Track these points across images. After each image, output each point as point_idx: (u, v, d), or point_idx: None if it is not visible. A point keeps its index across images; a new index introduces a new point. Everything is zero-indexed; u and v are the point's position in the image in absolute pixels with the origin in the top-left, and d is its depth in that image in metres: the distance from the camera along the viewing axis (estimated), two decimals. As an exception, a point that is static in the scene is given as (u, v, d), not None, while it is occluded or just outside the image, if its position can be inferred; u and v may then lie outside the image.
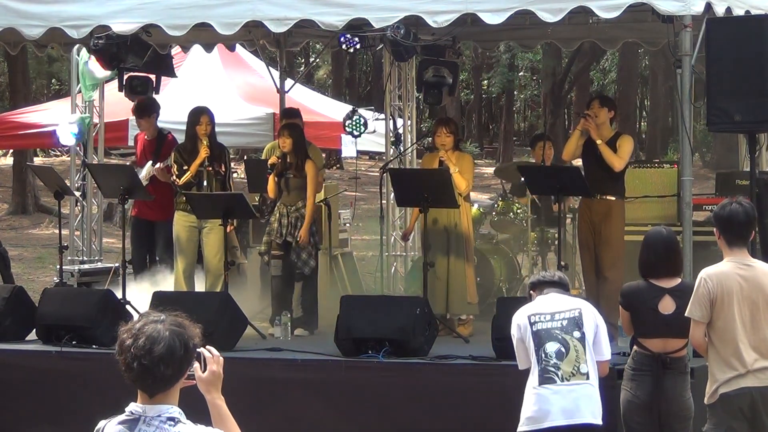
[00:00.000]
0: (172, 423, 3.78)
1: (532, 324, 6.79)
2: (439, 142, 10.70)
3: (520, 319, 6.88)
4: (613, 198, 10.24)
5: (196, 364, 3.90)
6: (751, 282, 6.75)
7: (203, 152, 10.89)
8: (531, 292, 7.09)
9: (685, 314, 6.79)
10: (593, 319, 6.87)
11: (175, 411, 3.80)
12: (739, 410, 6.71)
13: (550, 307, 6.85)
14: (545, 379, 6.72)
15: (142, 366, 3.74)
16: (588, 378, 6.74)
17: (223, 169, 11.10)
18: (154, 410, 3.79)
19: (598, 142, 10.07)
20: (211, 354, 3.97)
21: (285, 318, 10.48)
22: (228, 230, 10.68)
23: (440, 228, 10.62)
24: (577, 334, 6.76)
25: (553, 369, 6.72)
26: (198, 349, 3.89)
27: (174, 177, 10.99)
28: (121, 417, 3.83)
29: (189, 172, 10.91)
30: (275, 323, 10.57)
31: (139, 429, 3.78)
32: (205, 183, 10.96)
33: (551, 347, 6.74)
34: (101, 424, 3.89)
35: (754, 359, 6.70)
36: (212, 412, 3.96)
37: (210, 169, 10.99)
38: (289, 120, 11.73)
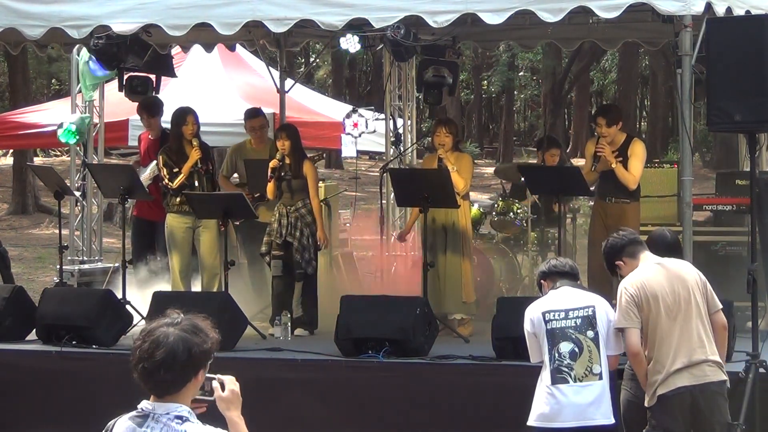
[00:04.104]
0: (180, 421, 3.86)
1: (546, 321, 6.84)
2: (438, 142, 10.71)
3: (533, 314, 6.91)
4: (628, 201, 10.25)
5: (217, 384, 3.98)
6: (673, 278, 6.86)
7: (195, 154, 10.91)
8: (542, 281, 7.11)
9: (614, 327, 6.87)
10: (606, 316, 6.92)
11: (184, 410, 3.89)
12: (679, 412, 6.77)
13: (564, 303, 6.88)
14: (558, 378, 6.77)
15: (144, 369, 3.85)
16: (600, 378, 6.80)
17: (210, 167, 11.15)
18: (163, 408, 3.88)
19: (614, 166, 10.08)
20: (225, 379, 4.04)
21: (285, 318, 10.48)
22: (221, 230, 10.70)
23: (438, 226, 10.62)
24: (590, 333, 6.81)
25: (566, 369, 6.76)
26: (215, 376, 3.98)
27: (166, 180, 10.99)
28: (132, 413, 3.94)
29: (182, 175, 10.92)
30: (275, 323, 10.58)
31: (148, 425, 3.88)
32: (196, 183, 10.99)
33: (565, 347, 6.78)
34: (111, 423, 3.98)
35: (686, 355, 6.79)
36: (231, 429, 4.03)
37: (202, 169, 11.00)
38: (252, 119, 12.05)
